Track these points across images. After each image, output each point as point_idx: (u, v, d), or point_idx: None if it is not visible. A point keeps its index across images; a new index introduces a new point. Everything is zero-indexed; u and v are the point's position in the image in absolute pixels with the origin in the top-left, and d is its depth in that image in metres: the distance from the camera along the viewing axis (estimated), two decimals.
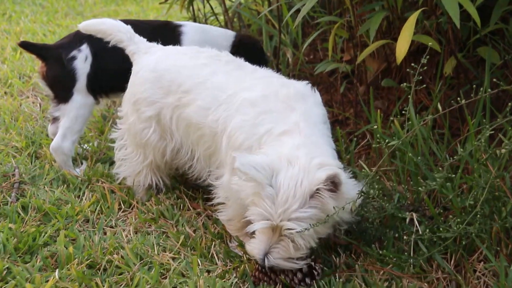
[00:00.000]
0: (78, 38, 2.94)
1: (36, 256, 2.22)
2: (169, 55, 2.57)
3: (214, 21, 4.30)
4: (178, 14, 5.43)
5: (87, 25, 2.69)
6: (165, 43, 2.75)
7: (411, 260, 2.10)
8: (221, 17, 4.22)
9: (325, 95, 3.57)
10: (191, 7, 3.97)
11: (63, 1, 6.82)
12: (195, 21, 4.09)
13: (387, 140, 2.29)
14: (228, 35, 3.18)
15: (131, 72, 2.65)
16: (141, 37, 2.69)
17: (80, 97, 2.92)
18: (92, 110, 3.03)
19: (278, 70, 3.47)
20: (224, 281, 2.07)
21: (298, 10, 2.75)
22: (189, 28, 3.12)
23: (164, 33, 3.09)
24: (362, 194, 2.00)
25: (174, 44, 2.84)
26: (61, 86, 2.93)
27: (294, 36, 3.64)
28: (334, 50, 3.08)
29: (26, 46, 2.99)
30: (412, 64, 2.18)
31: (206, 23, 4.21)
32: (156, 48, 2.64)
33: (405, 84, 2.17)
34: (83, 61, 2.92)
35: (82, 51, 2.92)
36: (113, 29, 2.64)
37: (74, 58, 2.90)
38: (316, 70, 3.03)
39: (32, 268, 2.14)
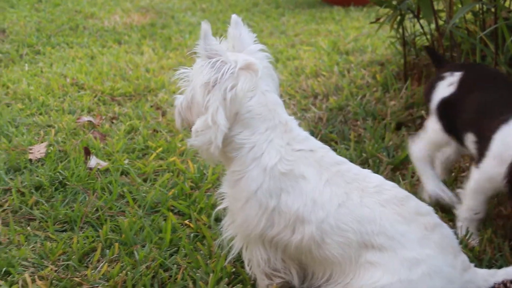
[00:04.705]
0: (461, 66, 2.88)
1: None
2: None
3: (421, 40, 4.28)
4: (381, 33, 5.47)
5: None
6: None
7: None
8: (428, 36, 4.18)
9: None
10: (400, 27, 3.99)
11: (267, 21, 7.19)
12: (404, 40, 4.10)
13: None
14: None
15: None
16: None
17: (433, 118, 2.79)
18: (443, 138, 2.79)
19: None
20: None
21: None
22: None
23: None
24: None
25: None
26: (425, 97, 2.91)
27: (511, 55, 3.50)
28: None
29: (431, 50, 3.17)
30: None
31: (414, 42, 4.20)
32: None
33: None
34: (446, 85, 2.74)
35: (452, 77, 2.73)
36: None
37: (442, 78, 2.78)
38: None
39: None
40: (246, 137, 2.07)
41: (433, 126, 2.78)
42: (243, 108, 2.06)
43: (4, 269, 2.36)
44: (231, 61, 2.03)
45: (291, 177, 2.03)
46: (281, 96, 4.26)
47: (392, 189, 2.08)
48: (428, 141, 2.83)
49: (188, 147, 2.17)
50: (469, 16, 3.84)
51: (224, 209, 2.30)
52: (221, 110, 2.00)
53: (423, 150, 2.84)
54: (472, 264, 2.10)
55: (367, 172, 2.14)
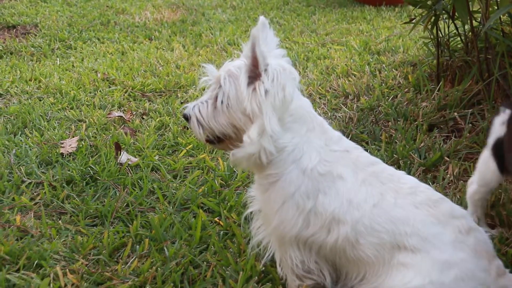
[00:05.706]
0: None
1: None
2: None
3: (455, 41, 4.22)
4: (412, 33, 5.41)
5: None
6: None
7: None
8: (462, 37, 4.11)
9: None
10: (434, 28, 3.93)
11: (298, 19, 7.16)
12: (438, 41, 4.04)
13: None
14: None
15: None
16: None
17: (487, 153, 2.54)
18: (496, 178, 2.54)
19: None
20: None
21: None
22: None
23: None
24: None
25: None
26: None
27: None
28: None
29: None
30: None
31: (448, 43, 4.14)
32: None
33: None
34: (500, 123, 2.50)
35: (505, 114, 2.49)
36: None
37: (498, 112, 2.55)
38: None
39: None
40: (288, 140, 2.06)
41: (487, 163, 2.56)
42: (287, 112, 2.05)
43: (36, 261, 2.38)
44: (279, 68, 2.01)
45: (329, 178, 2.03)
46: (311, 95, 4.28)
47: (426, 191, 2.06)
48: (481, 183, 2.61)
49: (235, 159, 2.06)
50: (504, 17, 3.77)
51: (251, 212, 2.30)
52: (273, 116, 1.98)
53: (477, 194, 2.64)
54: (507, 270, 2.06)
55: (401, 173, 2.13)
